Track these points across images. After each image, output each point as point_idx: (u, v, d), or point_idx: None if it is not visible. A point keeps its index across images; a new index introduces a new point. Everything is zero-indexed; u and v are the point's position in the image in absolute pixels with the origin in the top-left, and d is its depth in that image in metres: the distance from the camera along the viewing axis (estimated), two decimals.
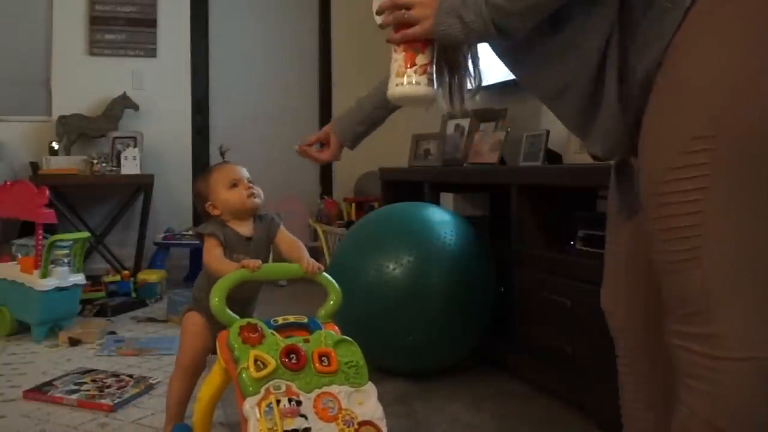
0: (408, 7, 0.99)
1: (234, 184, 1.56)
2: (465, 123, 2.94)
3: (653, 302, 1.01)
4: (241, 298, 1.50)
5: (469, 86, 1.20)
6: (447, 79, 1.17)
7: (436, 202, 2.65)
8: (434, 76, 1.05)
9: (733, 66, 0.82)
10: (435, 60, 1.04)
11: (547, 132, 2.38)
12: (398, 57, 1.04)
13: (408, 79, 1.03)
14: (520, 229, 2.16)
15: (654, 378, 1.06)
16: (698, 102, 0.83)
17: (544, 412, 1.92)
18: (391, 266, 2.05)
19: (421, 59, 1.03)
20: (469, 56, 1.18)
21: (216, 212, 1.57)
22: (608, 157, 1.08)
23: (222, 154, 1.67)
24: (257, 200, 1.56)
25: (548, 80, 1.02)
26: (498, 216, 2.54)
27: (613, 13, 0.90)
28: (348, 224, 3.54)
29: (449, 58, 1.14)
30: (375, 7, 1.06)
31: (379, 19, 1.06)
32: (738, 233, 0.82)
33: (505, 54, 1.09)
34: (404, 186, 2.99)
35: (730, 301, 0.82)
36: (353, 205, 3.84)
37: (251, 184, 1.57)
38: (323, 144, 1.51)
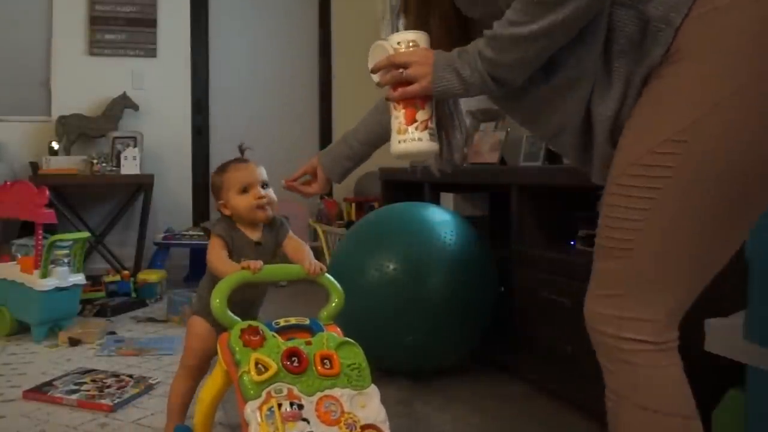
0: (405, 66, 1.02)
1: (245, 189, 1.50)
2: None
3: None
4: (245, 300, 1.49)
5: (458, 139, 1.22)
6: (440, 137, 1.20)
7: (436, 202, 2.65)
8: (435, 130, 1.06)
9: (716, 82, 0.85)
10: (434, 115, 1.06)
11: None
12: (399, 114, 1.05)
13: (411, 135, 1.05)
14: (520, 229, 2.16)
15: None
16: (679, 108, 0.87)
17: (544, 412, 1.92)
18: (391, 266, 2.05)
19: (421, 115, 1.04)
20: (454, 111, 1.22)
21: (227, 212, 1.53)
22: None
23: (242, 152, 1.61)
24: (267, 213, 1.51)
25: (545, 124, 1.06)
26: (498, 216, 2.54)
27: (599, 50, 0.93)
28: (348, 224, 3.54)
29: (437, 114, 1.15)
30: (371, 65, 1.08)
31: (376, 78, 1.08)
32: (673, 238, 0.88)
33: (501, 101, 1.12)
34: (404, 186, 2.99)
35: (649, 293, 0.89)
36: (353, 205, 3.84)
37: (265, 190, 1.51)
38: (311, 176, 1.48)
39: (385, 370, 2.10)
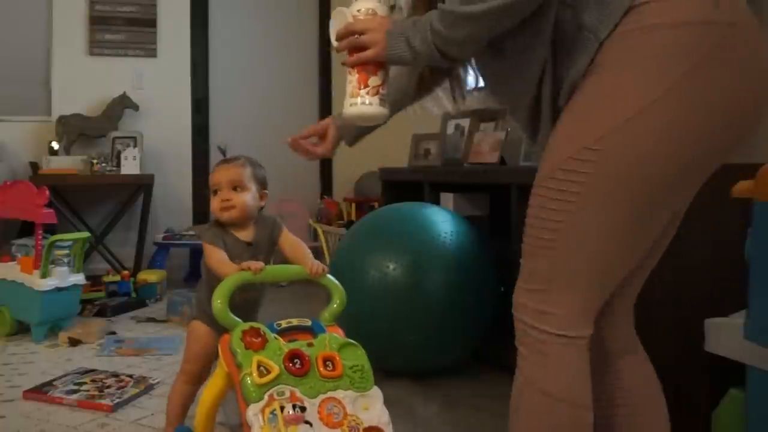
0: (361, 33, 1.06)
1: (214, 191, 1.51)
2: (465, 123, 2.94)
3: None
4: (247, 302, 1.48)
5: (469, 85, 1.24)
6: (446, 84, 1.26)
7: (436, 202, 2.64)
8: (386, 96, 1.11)
9: (631, 95, 0.90)
10: (387, 81, 1.11)
11: None
12: (352, 79, 1.10)
13: (361, 99, 1.09)
14: (520, 229, 2.15)
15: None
16: (598, 118, 0.92)
17: None
18: (391, 266, 2.05)
19: (373, 81, 1.09)
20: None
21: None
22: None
23: (222, 153, 1.62)
24: (231, 214, 1.49)
25: (502, 97, 1.15)
26: (498, 216, 2.54)
27: (547, 43, 0.97)
28: (348, 224, 3.54)
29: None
30: (333, 34, 1.12)
31: (335, 43, 1.11)
32: (590, 241, 0.94)
33: (474, 68, 1.19)
34: (404, 186, 2.99)
35: (566, 291, 0.96)
36: (353, 205, 3.84)
37: (234, 193, 1.49)
38: (319, 139, 1.43)
39: (385, 370, 2.10)
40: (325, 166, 4.56)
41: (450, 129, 3.08)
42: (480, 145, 2.73)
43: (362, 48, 1.06)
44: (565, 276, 0.97)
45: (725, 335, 1.34)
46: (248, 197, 1.51)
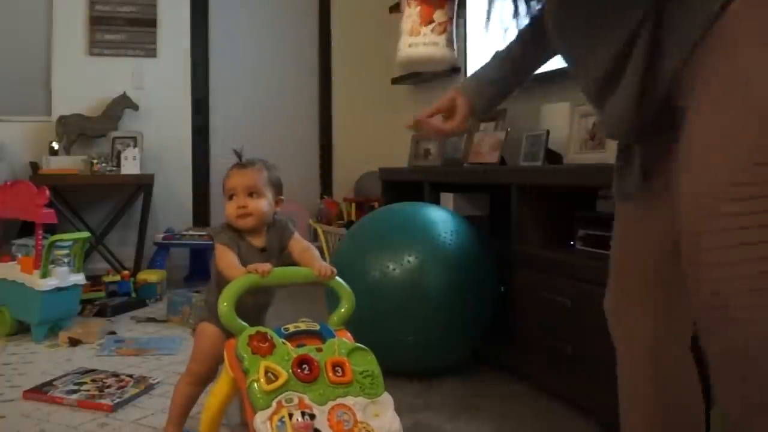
0: None
1: (230, 196, 1.48)
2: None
3: (665, 305, 0.99)
4: (258, 306, 1.46)
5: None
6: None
7: (436, 202, 2.65)
8: (455, 36, 0.92)
9: None
10: (455, 20, 0.91)
11: (547, 132, 2.38)
12: (412, 12, 0.91)
13: (424, 39, 0.91)
14: (520, 229, 2.16)
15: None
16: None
17: (544, 412, 1.92)
18: (392, 266, 2.05)
19: (439, 15, 0.91)
20: None
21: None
22: (614, 138, 1.03)
23: (238, 156, 1.55)
24: (246, 221, 1.47)
25: (579, 41, 0.95)
26: (498, 216, 2.54)
27: None
28: (348, 224, 3.54)
29: None
30: None
31: None
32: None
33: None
34: (404, 186, 2.99)
35: None
36: (353, 205, 3.84)
37: (250, 199, 1.47)
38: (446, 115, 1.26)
39: (385, 370, 2.09)
40: (325, 166, 4.56)
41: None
42: (480, 145, 2.73)
43: None
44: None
45: None
46: (264, 204, 1.49)
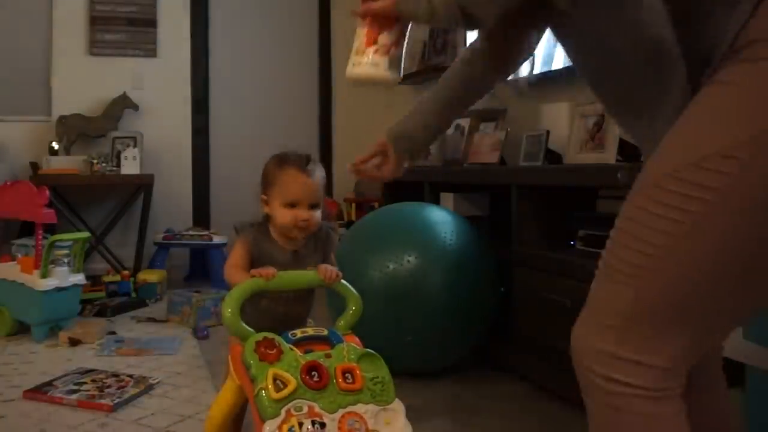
0: None
1: (292, 205, 1.36)
2: (465, 123, 2.94)
3: None
4: (288, 317, 1.37)
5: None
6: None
7: (436, 202, 2.65)
8: (400, 59, 0.94)
9: None
10: (402, 42, 0.93)
11: (547, 132, 2.38)
12: (360, 33, 0.93)
13: (367, 59, 0.93)
14: (520, 229, 2.16)
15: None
16: (739, 116, 0.71)
17: (544, 412, 1.92)
18: (392, 266, 2.05)
19: (384, 38, 0.92)
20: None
21: (266, 209, 1.40)
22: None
23: (307, 162, 1.41)
24: (303, 233, 1.38)
25: (598, 56, 0.92)
26: (498, 216, 2.54)
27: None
28: (348, 224, 3.54)
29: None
30: None
31: None
32: (696, 272, 0.73)
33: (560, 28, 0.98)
34: (404, 186, 2.99)
35: (652, 333, 0.77)
36: (353, 205, 3.84)
37: (312, 212, 1.37)
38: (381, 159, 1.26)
39: None
40: (325, 166, 4.55)
41: (450, 129, 3.08)
42: (480, 145, 2.73)
43: None
44: (656, 312, 0.74)
45: None
46: (320, 214, 1.40)
